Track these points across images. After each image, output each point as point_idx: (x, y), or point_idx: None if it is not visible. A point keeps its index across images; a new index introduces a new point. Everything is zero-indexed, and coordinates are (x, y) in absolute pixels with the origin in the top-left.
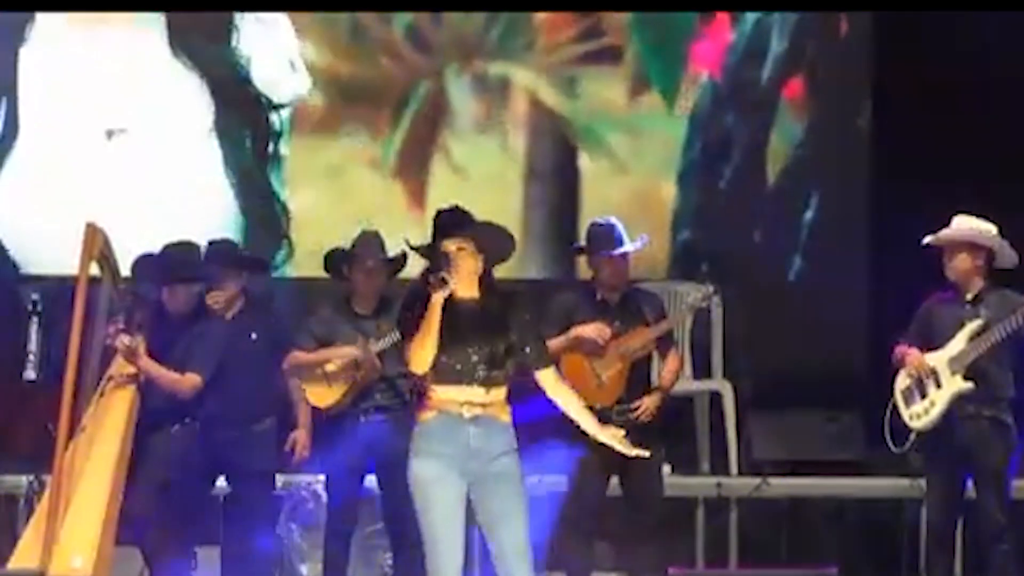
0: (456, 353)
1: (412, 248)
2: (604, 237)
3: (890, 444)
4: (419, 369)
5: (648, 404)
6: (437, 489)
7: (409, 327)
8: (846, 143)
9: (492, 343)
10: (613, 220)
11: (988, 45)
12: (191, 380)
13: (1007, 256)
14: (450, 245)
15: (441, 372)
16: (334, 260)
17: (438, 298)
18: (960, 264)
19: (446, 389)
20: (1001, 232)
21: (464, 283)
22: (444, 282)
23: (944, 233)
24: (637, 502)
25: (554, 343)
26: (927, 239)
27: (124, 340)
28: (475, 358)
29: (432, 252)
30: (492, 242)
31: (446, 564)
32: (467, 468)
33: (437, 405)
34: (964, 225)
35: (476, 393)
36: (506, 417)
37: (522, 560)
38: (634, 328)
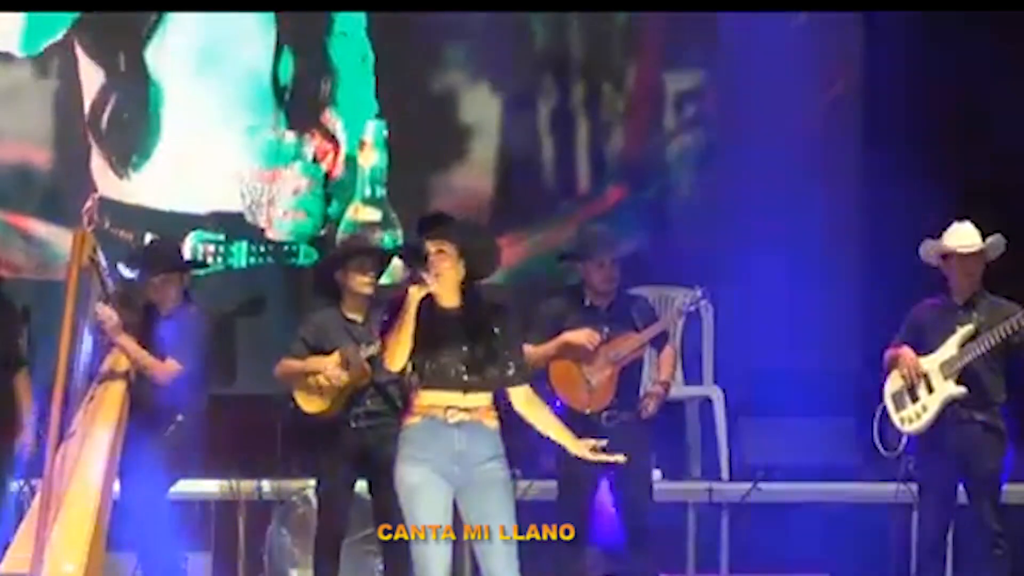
0: (438, 359)
1: (395, 252)
2: (596, 242)
3: (880, 448)
4: (395, 366)
5: (651, 400)
6: (422, 494)
7: (386, 326)
8: (840, 146)
9: (473, 349)
10: (604, 225)
11: (987, 45)
12: (169, 366)
13: (998, 251)
14: (430, 247)
15: (424, 378)
16: (326, 270)
17: (414, 294)
18: (974, 274)
19: (429, 394)
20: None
21: (446, 290)
22: (421, 279)
23: (971, 246)
24: (627, 508)
25: (543, 349)
26: (948, 250)
27: (105, 311)
28: (457, 364)
29: (414, 255)
30: (474, 246)
31: (433, 570)
32: (451, 473)
33: (422, 410)
34: (975, 237)
35: (459, 398)
36: (492, 422)
37: (508, 566)
38: (624, 333)
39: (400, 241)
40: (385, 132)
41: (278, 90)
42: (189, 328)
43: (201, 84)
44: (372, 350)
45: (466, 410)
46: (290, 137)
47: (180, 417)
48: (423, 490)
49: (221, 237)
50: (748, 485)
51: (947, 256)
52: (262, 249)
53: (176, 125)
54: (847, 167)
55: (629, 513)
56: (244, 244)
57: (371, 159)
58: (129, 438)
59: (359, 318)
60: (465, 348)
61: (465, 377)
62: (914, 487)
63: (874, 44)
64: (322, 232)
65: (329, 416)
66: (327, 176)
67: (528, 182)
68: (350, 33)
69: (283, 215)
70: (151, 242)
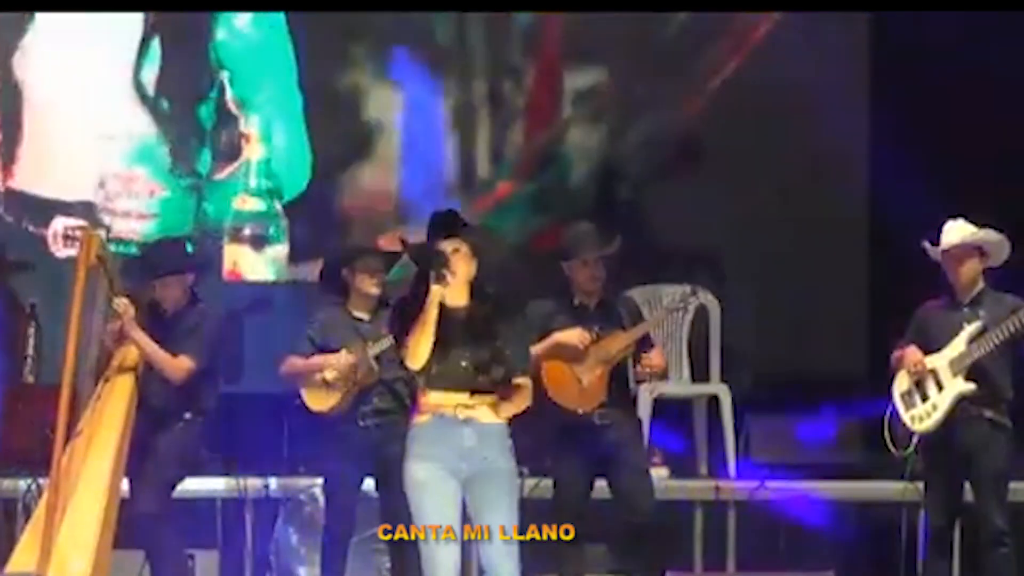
0: (446, 359)
1: (406, 246)
2: (580, 241)
3: (891, 447)
4: (416, 364)
5: (655, 361)
6: (431, 491)
7: (404, 324)
8: (845, 144)
9: (480, 349)
10: (589, 224)
11: (988, 45)
12: (182, 363)
13: (1003, 255)
14: (447, 246)
15: (433, 378)
16: (334, 269)
17: (437, 293)
18: (969, 269)
19: (437, 394)
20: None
21: (456, 288)
22: (444, 278)
23: (958, 240)
24: (627, 503)
25: (534, 350)
26: (943, 246)
27: (122, 303)
28: (464, 364)
29: (424, 252)
30: (486, 247)
31: (441, 566)
32: (459, 470)
33: (431, 408)
34: (966, 231)
35: (467, 397)
36: (499, 419)
37: (508, 559)
38: (613, 332)
39: (284, 232)
40: (271, 126)
41: (143, 94)
42: (196, 326)
43: (65, 84)
44: (379, 348)
45: (474, 406)
46: (149, 141)
47: (188, 415)
48: (431, 487)
49: (83, 223)
50: (755, 483)
51: (944, 254)
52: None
53: (42, 123)
54: (855, 161)
55: (627, 510)
56: (104, 233)
57: (257, 152)
58: (137, 436)
59: (366, 316)
60: (471, 349)
61: (473, 376)
62: (920, 485)
63: (880, 39)
64: (191, 231)
65: (336, 414)
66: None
67: (428, 178)
68: (253, 35)
69: (128, 215)
70: (155, 243)
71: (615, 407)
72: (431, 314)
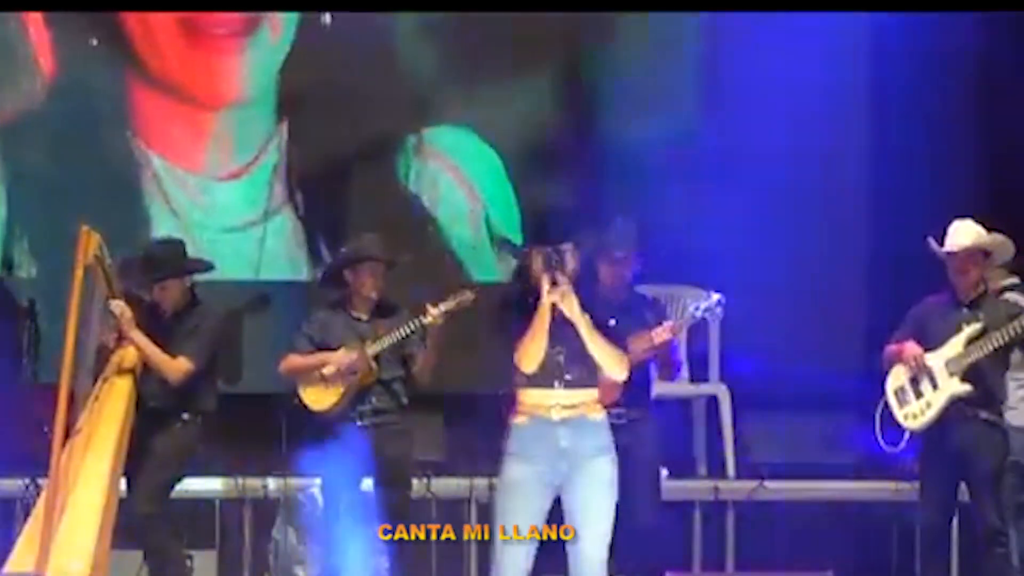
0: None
1: (517, 247)
2: (610, 236)
3: (881, 444)
4: (530, 367)
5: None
6: (522, 493)
7: (517, 327)
8: (844, 142)
9: (574, 343)
10: (623, 221)
11: (988, 44)
12: (181, 364)
13: (1007, 256)
14: (566, 249)
15: (529, 377)
16: (336, 266)
17: (553, 297)
18: (975, 272)
19: (535, 393)
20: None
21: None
22: (556, 282)
23: (969, 243)
24: (628, 506)
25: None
26: (950, 248)
27: (118, 305)
28: (559, 360)
29: (552, 258)
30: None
31: (514, 568)
32: (557, 469)
33: (528, 409)
34: (973, 232)
35: (564, 395)
36: (597, 415)
37: (601, 569)
38: (635, 333)
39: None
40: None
41: None
42: (196, 328)
43: None
44: (378, 347)
45: (571, 407)
46: None
47: (187, 415)
48: (523, 488)
49: None
50: (754, 483)
51: (950, 255)
52: None
53: None
54: (855, 160)
55: (638, 512)
56: None
57: None
58: (136, 436)
59: (364, 316)
60: (565, 344)
61: (567, 375)
62: (917, 485)
63: (880, 40)
64: None
65: (335, 414)
66: None
67: None
68: None
69: None
70: (151, 246)
71: (631, 408)
72: (545, 318)
